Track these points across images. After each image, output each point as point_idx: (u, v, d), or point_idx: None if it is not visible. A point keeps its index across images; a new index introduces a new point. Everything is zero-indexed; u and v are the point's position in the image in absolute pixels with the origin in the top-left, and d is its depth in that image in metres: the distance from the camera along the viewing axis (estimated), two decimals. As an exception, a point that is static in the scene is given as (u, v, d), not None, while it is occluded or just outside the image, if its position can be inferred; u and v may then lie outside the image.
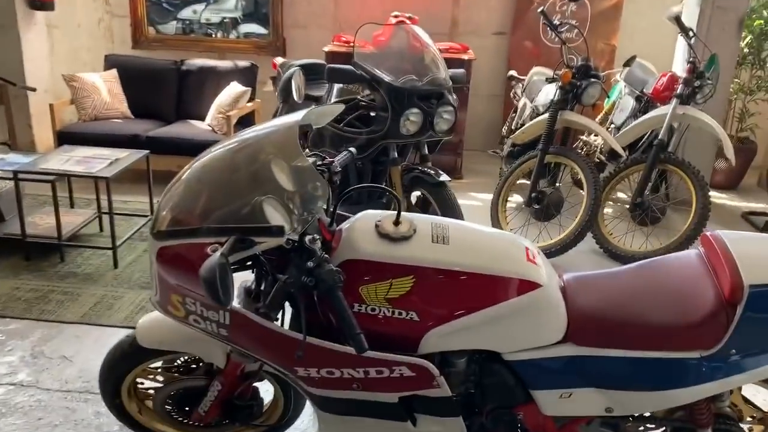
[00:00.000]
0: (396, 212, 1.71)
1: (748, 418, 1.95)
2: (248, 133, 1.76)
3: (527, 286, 1.64)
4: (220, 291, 1.31)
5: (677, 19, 4.07)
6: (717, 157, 5.09)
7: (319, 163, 1.83)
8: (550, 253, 3.87)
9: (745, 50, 5.27)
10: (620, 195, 4.75)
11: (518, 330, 1.66)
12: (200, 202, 1.62)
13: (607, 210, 4.31)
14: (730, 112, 5.59)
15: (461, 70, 3.50)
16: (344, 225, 1.75)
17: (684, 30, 4.09)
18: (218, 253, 1.35)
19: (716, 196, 5.39)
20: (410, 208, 3.43)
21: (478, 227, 1.85)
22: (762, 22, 5.20)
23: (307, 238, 1.54)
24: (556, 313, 1.69)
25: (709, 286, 1.66)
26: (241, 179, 1.62)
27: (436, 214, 3.15)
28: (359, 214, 1.78)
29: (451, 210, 3.18)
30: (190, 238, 1.58)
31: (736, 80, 5.40)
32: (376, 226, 1.68)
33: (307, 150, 3.38)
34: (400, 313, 1.60)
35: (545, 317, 1.68)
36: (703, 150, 4.87)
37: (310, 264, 1.48)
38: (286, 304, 1.67)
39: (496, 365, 1.71)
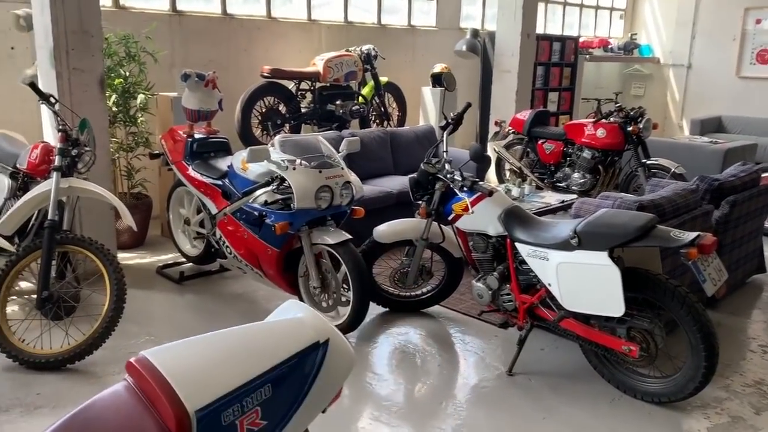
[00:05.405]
0: None
1: None
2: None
3: None
4: None
5: (33, 86, 3.65)
6: (117, 218, 4.91)
7: None
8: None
9: (114, 109, 5.22)
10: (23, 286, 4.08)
11: None
12: None
13: (12, 312, 3.60)
14: (117, 171, 5.48)
15: None
16: None
17: (43, 97, 3.70)
18: None
19: (128, 257, 5.24)
20: None
21: None
22: (122, 80, 5.23)
23: None
24: None
25: (152, 426, 1.35)
26: None
27: None
28: None
29: None
30: None
31: (115, 139, 5.32)
32: None
33: None
34: None
35: None
36: (101, 218, 4.62)
37: None
38: None
39: None
